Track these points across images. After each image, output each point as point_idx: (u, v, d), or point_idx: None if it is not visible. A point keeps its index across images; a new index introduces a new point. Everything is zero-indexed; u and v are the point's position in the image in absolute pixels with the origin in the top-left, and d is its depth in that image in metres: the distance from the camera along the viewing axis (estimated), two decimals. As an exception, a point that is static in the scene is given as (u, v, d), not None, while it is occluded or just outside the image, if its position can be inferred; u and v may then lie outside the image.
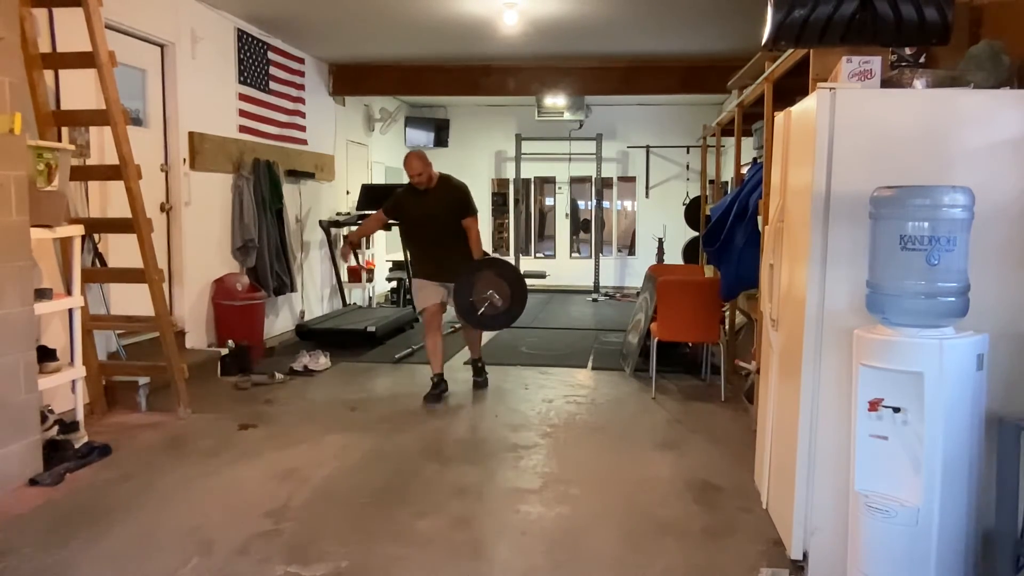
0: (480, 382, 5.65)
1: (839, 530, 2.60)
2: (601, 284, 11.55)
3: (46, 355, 4.01)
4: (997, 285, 2.58)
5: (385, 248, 10.48)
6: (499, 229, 12.24)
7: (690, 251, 9.03)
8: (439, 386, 5.31)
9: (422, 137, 11.51)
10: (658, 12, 6.24)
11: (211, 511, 3.37)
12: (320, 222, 8.33)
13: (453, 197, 5.25)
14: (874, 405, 2.38)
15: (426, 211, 5.21)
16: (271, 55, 7.21)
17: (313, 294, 8.30)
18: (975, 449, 2.35)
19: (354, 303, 8.89)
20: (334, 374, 6.07)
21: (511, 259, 11.76)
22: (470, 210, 5.29)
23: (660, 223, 11.39)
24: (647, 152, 11.81)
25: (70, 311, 4.21)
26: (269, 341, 6.82)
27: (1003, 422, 2.37)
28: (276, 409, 5.03)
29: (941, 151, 2.61)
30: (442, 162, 11.88)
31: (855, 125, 2.63)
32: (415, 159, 5.22)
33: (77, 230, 4.20)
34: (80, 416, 4.18)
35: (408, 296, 9.15)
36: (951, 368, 2.27)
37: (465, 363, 5.91)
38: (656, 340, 5.47)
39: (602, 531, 3.22)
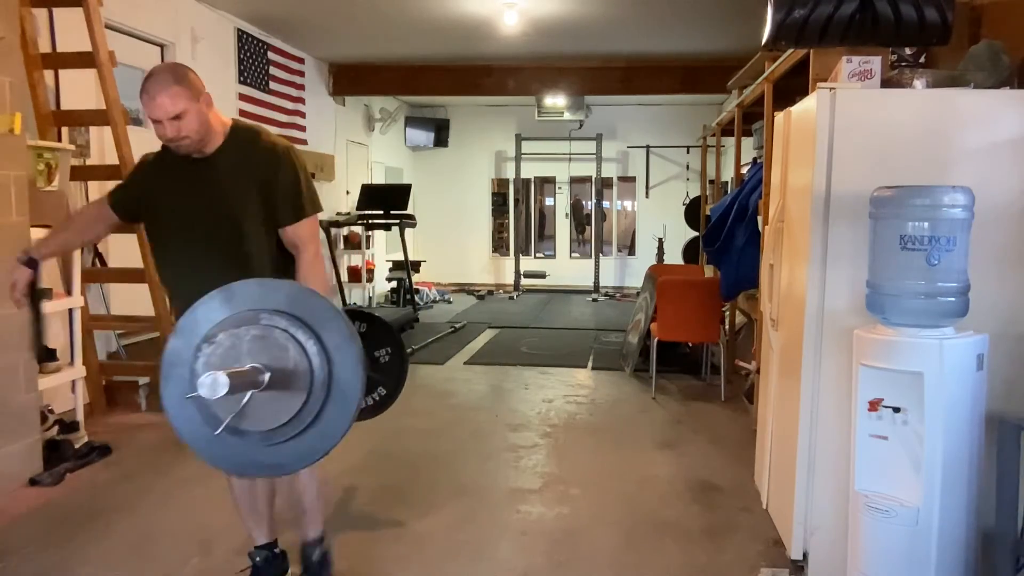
0: None
1: (839, 530, 2.60)
2: (601, 284, 11.55)
3: (46, 355, 4.00)
4: (997, 285, 2.58)
5: (385, 248, 10.48)
6: (499, 229, 12.24)
7: (690, 251, 9.03)
8: (263, 570, 2.64)
9: (422, 137, 11.52)
10: (658, 12, 6.24)
11: (211, 511, 3.36)
12: (319, 222, 8.31)
13: (259, 172, 2.35)
14: (874, 405, 2.38)
15: (194, 200, 2.35)
16: (271, 55, 7.21)
17: (313, 294, 8.28)
18: (975, 449, 2.35)
19: (354, 303, 8.89)
20: (334, 374, 6.05)
21: (510, 259, 11.77)
22: (301, 205, 2.43)
23: (660, 223, 11.39)
24: (647, 152, 11.81)
25: (70, 311, 4.21)
26: (269, 341, 6.81)
27: (1003, 422, 2.37)
28: (276, 409, 5.02)
29: (941, 151, 2.61)
30: (442, 162, 12.06)
31: (855, 125, 2.63)
32: (163, 77, 2.22)
33: (77, 230, 4.19)
34: (80, 416, 4.18)
35: (408, 296, 9.15)
36: (951, 368, 2.27)
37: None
38: (656, 340, 5.47)
39: (602, 531, 3.22)
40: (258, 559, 2.64)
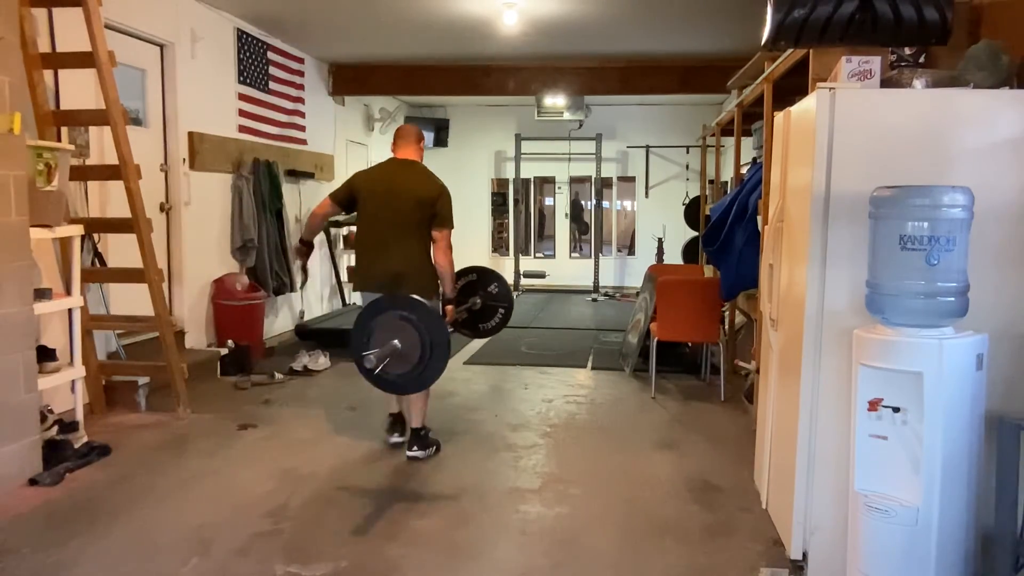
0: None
1: (839, 530, 2.60)
2: (601, 284, 11.54)
3: (46, 355, 4.01)
4: (997, 285, 2.58)
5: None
6: (499, 229, 12.24)
7: (690, 251, 9.04)
8: (395, 422, 4.32)
9: (422, 137, 11.50)
10: (658, 12, 6.24)
11: (211, 511, 3.37)
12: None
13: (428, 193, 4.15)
14: (874, 405, 2.38)
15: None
16: (271, 55, 7.21)
17: (313, 294, 8.30)
18: (975, 449, 2.35)
19: (354, 303, 8.89)
20: (334, 374, 6.06)
21: (510, 259, 11.77)
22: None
23: (660, 223, 11.39)
24: (647, 152, 11.81)
25: (70, 311, 4.21)
26: (269, 341, 6.82)
27: (1003, 422, 2.37)
28: (275, 409, 5.03)
29: (941, 151, 2.61)
30: (442, 162, 12.02)
31: (855, 125, 2.63)
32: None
33: (77, 230, 4.19)
34: (80, 416, 4.18)
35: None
36: (951, 368, 2.27)
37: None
38: (656, 340, 5.47)
39: (602, 531, 3.22)
40: (390, 418, 4.32)
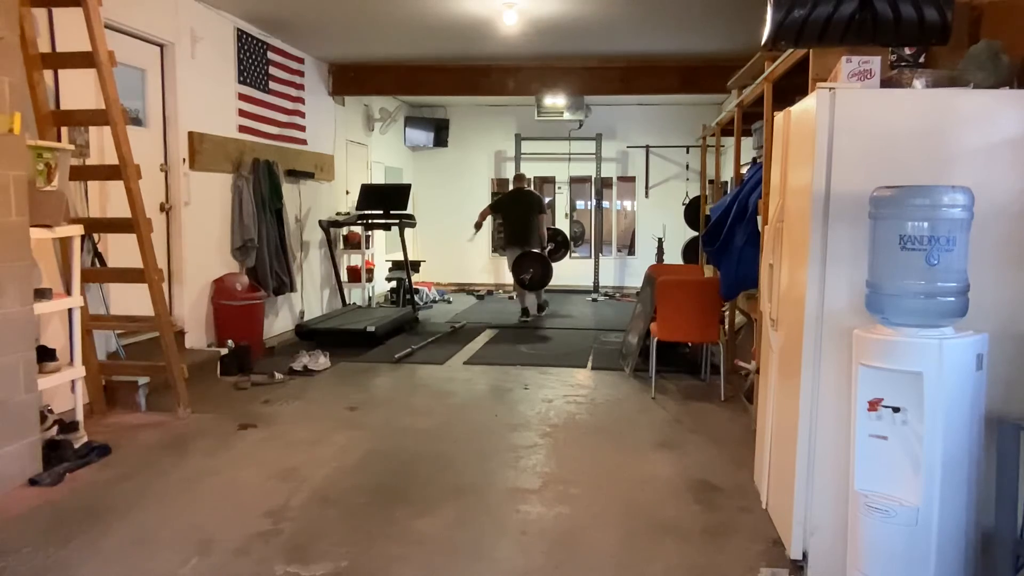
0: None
1: (839, 530, 2.60)
2: (601, 284, 11.54)
3: (46, 355, 4.01)
4: (997, 285, 2.58)
5: (385, 248, 10.48)
6: (499, 229, 12.19)
7: (690, 251, 9.03)
8: (525, 311, 8.90)
9: (422, 137, 11.51)
10: (658, 12, 6.24)
11: (211, 511, 3.37)
12: (320, 222, 8.34)
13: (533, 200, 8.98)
14: (874, 405, 2.38)
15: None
16: (271, 55, 7.21)
17: (313, 294, 8.30)
18: (974, 449, 2.35)
19: (353, 303, 8.89)
20: (334, 374, 6.07)
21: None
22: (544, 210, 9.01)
23: (660, 223, 11.39)
24: (647, 152, 11.81)
25: (70, 311, 4.21)
26: (269, 341, 6.83)
27: (1003, 422, 2.38)
28: (275, 409, 5.03)
29: (941, 151, 2.61)
30: (442, 162, 12.06)
31: (855, 125, 2.63)
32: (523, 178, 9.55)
33: (77, 230, 4.20)
34: (80, 416, 4.18)
35: (408, 296, 9.18)
36: (951, 368, 2.27)
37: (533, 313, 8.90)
38: (656, 340, 5.47)
39: (602, 531, 3.22)
40: (523, 311, 8.98)
